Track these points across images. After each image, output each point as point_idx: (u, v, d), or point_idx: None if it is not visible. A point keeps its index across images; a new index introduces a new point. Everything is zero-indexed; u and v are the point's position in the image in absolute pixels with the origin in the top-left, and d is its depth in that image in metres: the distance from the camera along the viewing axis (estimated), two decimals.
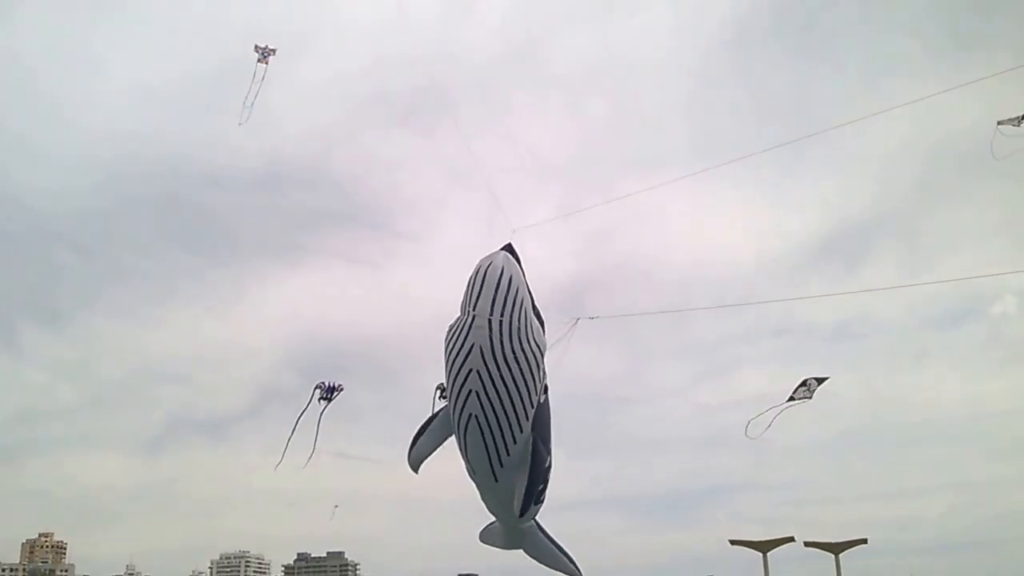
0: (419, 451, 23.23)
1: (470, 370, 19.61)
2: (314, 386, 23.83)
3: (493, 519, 26.27)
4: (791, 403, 31.26)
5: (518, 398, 20.37)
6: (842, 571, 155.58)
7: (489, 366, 19.55)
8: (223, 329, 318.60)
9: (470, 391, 20.04)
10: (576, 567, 27.63)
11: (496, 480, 22.48)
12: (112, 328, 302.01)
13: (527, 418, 21.10)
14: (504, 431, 20.94)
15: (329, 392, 23.89)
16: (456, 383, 20.16)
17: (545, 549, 27.21)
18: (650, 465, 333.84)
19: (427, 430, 23.08)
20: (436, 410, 22.87)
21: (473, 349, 19.32)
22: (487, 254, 19.50)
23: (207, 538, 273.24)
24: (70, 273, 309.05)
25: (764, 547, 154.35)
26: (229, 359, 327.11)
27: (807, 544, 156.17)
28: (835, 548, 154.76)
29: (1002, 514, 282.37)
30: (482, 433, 20.87)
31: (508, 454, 21.55)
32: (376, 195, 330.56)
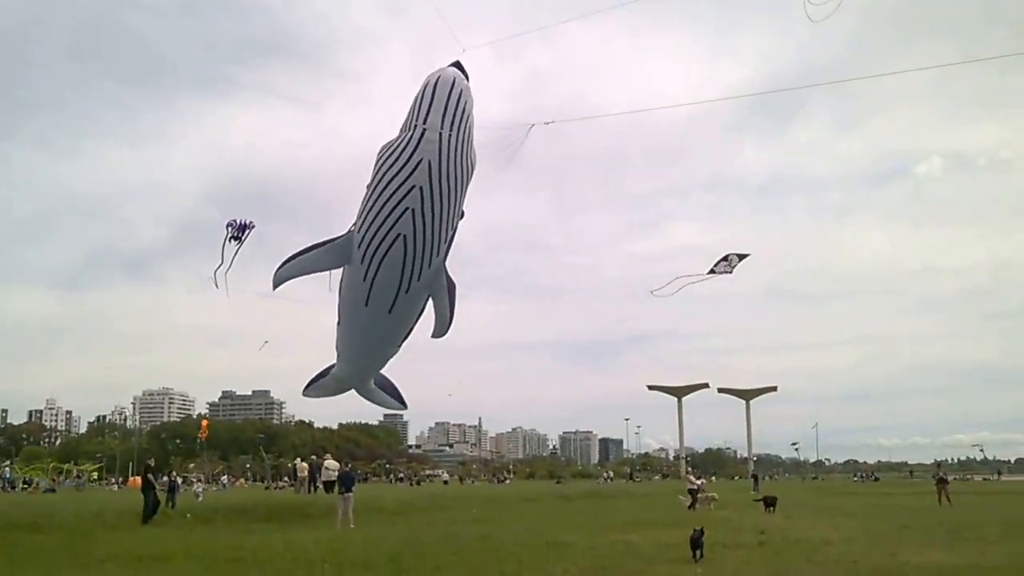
0: (289, 271, 21.07)
1: (413, 186, 18.41)
2: (225, 224, 21.50)
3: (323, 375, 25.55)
4: (711, 275, 29.40)
5: (448, 220, 19.73)
6: (752, 417, 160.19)
7: (433, 184, 18.64)
8: (145, 161, 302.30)
9: (407, 209, 18.80)
10: (403, 401, 26.93)
11: (391, 311, 21.35)
12: (26, 159, 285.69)
13: (448, 242, 20.47)
14: (426, 254, 20.16)
15: (240, 231, 21.41)
16: (391, 201, 18.72)
17: (378, 391, 26.68)
18: (577, 312, 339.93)
19: (310, 254, 21.03)
20: (335, 237, 20.69)
21: (420, 165, 18.16)
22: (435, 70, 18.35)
23: (130, 375, 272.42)
24: None
25: (680, 392, 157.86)
26: (151, 193, 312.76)
27: (720, 390, 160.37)
28: (746, 395, 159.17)
29: (908, 367, 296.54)
30: (404, 255, 19.82)
31: (419, 279, 20.76)
32: (312, 28, 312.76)
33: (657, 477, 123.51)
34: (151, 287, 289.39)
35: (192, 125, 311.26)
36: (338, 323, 23.44)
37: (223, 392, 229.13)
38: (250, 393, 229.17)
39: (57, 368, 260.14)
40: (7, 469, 63.33)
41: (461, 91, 18.33)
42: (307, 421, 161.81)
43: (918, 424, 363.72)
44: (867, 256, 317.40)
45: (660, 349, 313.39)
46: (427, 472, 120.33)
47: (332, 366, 26.64)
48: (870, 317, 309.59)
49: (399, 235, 19.70)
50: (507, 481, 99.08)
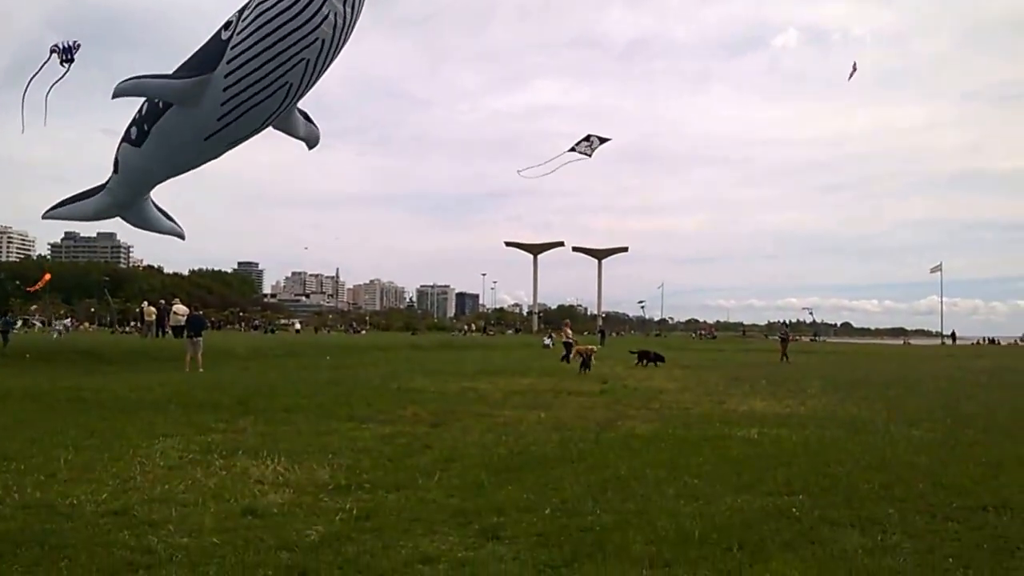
0: (134, 88, 20.88)
1: (315, 39, 18.54)
2: (49, 49, 21.38)
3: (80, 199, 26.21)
4: (571, 154, 30.13)
5: (324, 72, 20.17)
6: (603, 276, 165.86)
7: (336, 40, 18.94)
8: None
9: (302, 60, 19.04)
10: (179, 228, 28.28)
11: (227, 147, 22.40)
12: None
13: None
14: (297, 101, 21.00)
15: (67, 52, 21.31)
16: (288, 49, 18.78)
17: (161, 217, 27.65)
18: (439, 166, 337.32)
19: (158, 81, 20.97)
20: (194, 74, 20.42)
21: (327, 20, 18.29)
22: None
23: None
24: None
25: (536, 250, 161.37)
26: None
27: (575, 249, 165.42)
28: (599, 254, 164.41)
29: (751, 232, 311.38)
30: (282, 102, 20.31)
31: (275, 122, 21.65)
32: None
33: (511, 331, 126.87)
34: None
35: None
36: (138, 143, 22.57)
37: (66, 233, 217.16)
38: (95, 236, 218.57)
39: None
40: None
41: None
42: (156, 266, 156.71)
43: (755, 287, 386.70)
44: (720, 124, 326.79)
45: (518, 207, 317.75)
46: (282, 321, 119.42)
47: (96, 189, 25.51)
48: (719, 184, 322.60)
49: (287, 84, 19.82)
50: (363, 332, 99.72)
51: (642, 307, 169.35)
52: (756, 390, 20.19)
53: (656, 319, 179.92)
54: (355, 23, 19.23)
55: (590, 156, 31.30)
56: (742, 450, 10.28)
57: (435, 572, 5.40)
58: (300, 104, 21.89)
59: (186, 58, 21.26)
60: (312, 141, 23.65)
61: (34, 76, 21.98)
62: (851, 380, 24.38)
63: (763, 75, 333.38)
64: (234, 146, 22.54)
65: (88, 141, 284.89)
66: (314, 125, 23.30)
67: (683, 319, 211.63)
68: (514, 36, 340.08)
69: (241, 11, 19.33)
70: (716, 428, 12.51)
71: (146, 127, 21.74)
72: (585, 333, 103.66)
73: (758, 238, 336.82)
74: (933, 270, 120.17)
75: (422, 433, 11.62)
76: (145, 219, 26.84)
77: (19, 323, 57.55)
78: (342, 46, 19.49)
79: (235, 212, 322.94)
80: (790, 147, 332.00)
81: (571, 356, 33.60)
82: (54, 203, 26.47)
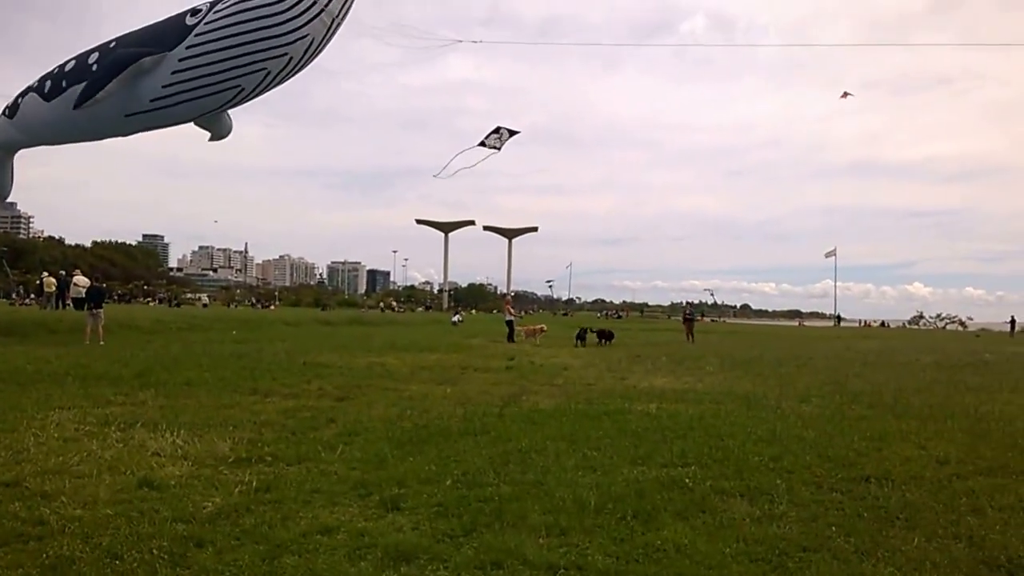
0: (115, 85, 20.19)
1: (284, 54, 18.72)
2: None
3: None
4: (481, 148, 30.46)
5: (276, 87, 20.18)
6: (513, 255, 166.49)
7: (301, 59, 19.10)
8: None
9: (264, 70, 19.07)
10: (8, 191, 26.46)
11: (141, 127, 21.91)
12: None
13: None
14: (239, 104, 20.66)
15: None
16: (255, 55, 18.79)
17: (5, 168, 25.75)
18: (350, 141, 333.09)
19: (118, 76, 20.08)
20: (152, 51, 19.71)
21: (304, 40, 18.52)
22: None
23: None
24: None
25: (447, 228, 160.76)
26: None
27: (485, 228, 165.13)
28: (509, 233, 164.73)
29: (658, 214, 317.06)
30: (225, 103, 20.38)
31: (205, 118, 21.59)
32: None
33: (420, 309, 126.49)
34: None
35: None
36: (48, 98, 21.63)
37: None
38: None
39: None
40: None
41: None
42: (58, 237, 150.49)
43: (659, 269, 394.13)
44: (629, 107, 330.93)
45: (430, 184, 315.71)
46: (188, 295, 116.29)
47: None
48: (627, 166, 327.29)
49: (239, 87, 19.61)
50: (272, 307, 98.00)
51: (550, 286, 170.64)
52: (657, 367, 20.69)
53: (564, 299, 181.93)
54: (322, 50, 19.34)
55: (499, 150, 31.60)
56: (640, 424, 10.56)
57: (333, 542, 5.44)
58: None
59: (136, 29, 20.67)
60: (223, 134, 23.10)
61: None
62: (747, 359, 25.18)
63: (671, 59, 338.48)
64: (148, 130, 21.96)
65: None
66: (229, 118, 22.83)
67: (590, 299, 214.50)
68: (426, 11, 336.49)
69: (214, 3, 18.99)
70: (617, 403, 12.81)
71: (64, 84, 20.75)
72: (495, 311, 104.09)
73: (664, 221, 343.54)
74: (828, 255, 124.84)
75: (327, 407, 11.59)
76: None
77: None
78: (302, 67, 19.57)
79: (141, 183, 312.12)
80: (697, 132, 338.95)
81: (516, 335, 33.08)
82: None
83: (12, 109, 22.72)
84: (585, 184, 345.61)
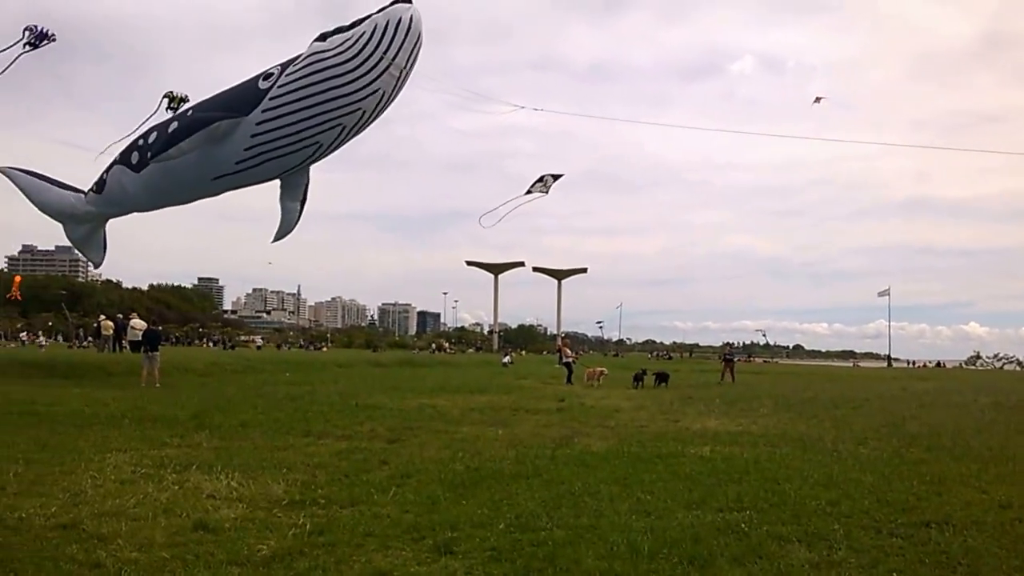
0: (189, 146, 20.99)
1: (358, 108, 19.52)
2: (23, 28, 20.74)
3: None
4: (528, 197, 31.19)
5: (353, 139, 21.01)
6: (563, 296, 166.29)
7: (374, 112, 19.88)
8: None
9: (340, 125, 19.90)
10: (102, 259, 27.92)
11: (226, 189, 23.02)
12: None
13: None
14: (316, 161, 21.66)
15: (39, 39, 20.80)
16: (330, 112, 19.61)
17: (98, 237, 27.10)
18: (401, 184, 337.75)
19: (189, 139, 20.89)
20: (229, 115, 20.64)
21: (376, 93, 19.30)
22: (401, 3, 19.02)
23: None
24: None
25: (497, 269, 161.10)
26: None
27: (535, 269, 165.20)
28: (559, 274, 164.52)
29: (708, 255, 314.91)
30: (305, 160, 21.17)
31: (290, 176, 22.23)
32: None
33: (471, 350, 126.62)
34: None
35: None
36: (138, 169, 22.60)
37: (23, 246, 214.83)
38: (53, 248, 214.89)
39: None
40: None
41: (421, 34, 19.26)
42: (115, 280, 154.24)
43: (710, 309, 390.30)
44: (679, 148, 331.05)
45: (479, 227, 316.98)
46: (242, 337, 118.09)
47: (65, 185, 25.32)
48: (676, 206, 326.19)
49: (317, 143, 20.49)
50: (324, 348, 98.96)
51: (600, 327, 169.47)
52: (710, 409, 20.40)
53: (614, 339, 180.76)
54: (392, 101, 20.04)
55: (546, 193, 32.19)
56: (694, 467, 10.42)
57: None
58: None
59: (211, 96, 21.72)
60: (288, 227, 23.46)
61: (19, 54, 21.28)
62: (801, 400, 24.71)
63: (719, 100, 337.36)
64: (235, 189, 22.93)
65: (41, 152, 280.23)
66: (301, 209, 23.38)
67: (640, 340, 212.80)
68: (474, 58, 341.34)
69: (285, 66, 19.96)
70: (670, 446, 12.65)
71: (149, 155, 21.72)
72: (545, 352, 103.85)
73: (714, 261, 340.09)
74: (881, 294, 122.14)
75: (379, 449, 11.62)
76: (88, 239, 26.29)
77: None
78: (375, 119, 20.34)
79: (196, 227, 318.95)
80: (743, 171, 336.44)
81: (577, 379, 31.87)
82: (19, 167, 25.81)
83: (100, 185, 24.11)
84: (634, 224, 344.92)
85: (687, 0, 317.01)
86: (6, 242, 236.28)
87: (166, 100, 22.21)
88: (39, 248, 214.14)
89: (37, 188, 25.30)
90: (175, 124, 21.33)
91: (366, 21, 19.10)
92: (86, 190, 24.63)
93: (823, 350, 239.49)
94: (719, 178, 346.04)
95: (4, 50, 20.97)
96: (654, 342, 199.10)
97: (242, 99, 20.52)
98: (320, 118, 19.73)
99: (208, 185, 22.53)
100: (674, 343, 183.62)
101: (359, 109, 19.53)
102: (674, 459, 11.16)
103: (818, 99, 47.68)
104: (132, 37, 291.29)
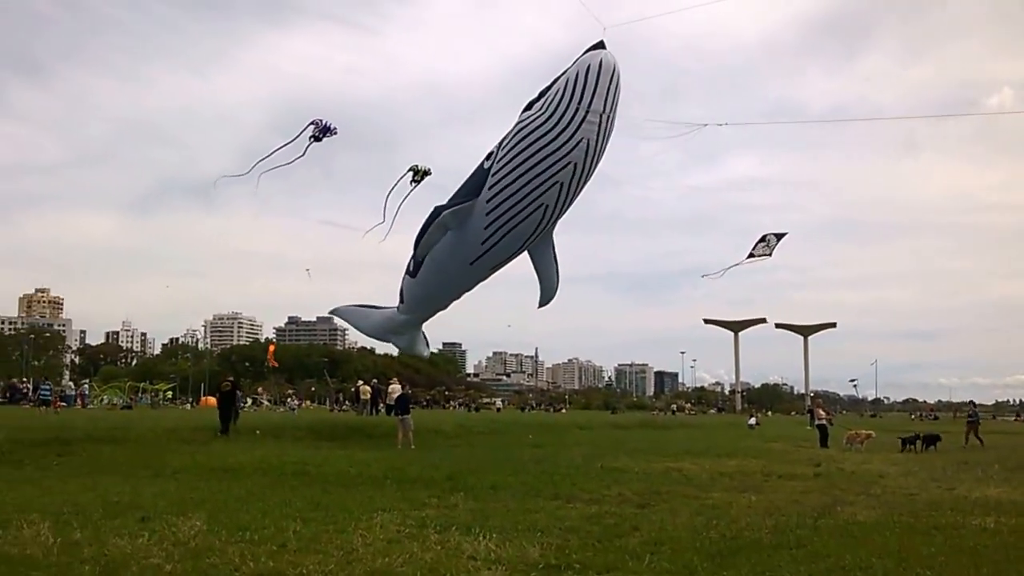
0: (429, 241, 23.26)
1: (569, 163, 19.79)
2: (309, 122, 22.31)
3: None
4: (751, 260, 30.50)
5: (579, 194, 21.30)
6: (810, 352, 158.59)
7: (586, 162, 19.97)
8: (204, 88, 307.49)
9: (557, 183, 20.27)
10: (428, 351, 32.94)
11: (491, 269, 23.91)
12: (93, 83, 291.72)
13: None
14: (554, 222, 22.22)
15: (323, 132, 22.44)
16: (544, 173, 20.13)
17: (422, 337, 30.70)
18: (634, 243, 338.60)
19: (434, 224, 22.68)
20: (458, 202, 22.40)
21: (580, 144, 19.48)
22: (592, 49, 19.15)
23: (199, 300, 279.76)
24: (51, 24, 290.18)
25: (736, 327, 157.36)
26: (211, 118, 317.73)
27: (778, 326, 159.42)
28: (805, 331, 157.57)
29: (970, 304, 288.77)
30: (538, 224, 21.60)
31: (534, 244, 22.89)
32: None
33: (712, 411, 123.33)
34: (216, 213, 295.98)
35: (248, 50, 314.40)
36: (415, 274, 25.27)
37: (289, 318, 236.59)
38: (314, 319, 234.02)
39: (128, 290, 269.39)
40: (86, 387, 65.60)
41: (618, 77, 19.41)
42: (369, 347, 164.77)
43: (977, 363, 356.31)
44: (933, 191, 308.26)
45: (717, 283, 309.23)
46: (484, 400, 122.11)
47: (377, 308, 28.61)
48: (932, 252, 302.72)
49: (542, 206, 21.25)
50: (563, 410, 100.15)
51: (854, 385, 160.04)
52: (988, 475, 18.53)
53: (870, 398, 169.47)
54: (604, 149, 20.33)
55: (770, 255, 31.01)
56: (978, 540, 9.45)
57: None
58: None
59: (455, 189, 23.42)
60: (550, 293, 24.64)
61: (280, 148, 22.78)
62: None
63: (975, 137, 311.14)
64: (496, 270, 24.29)
65: (305, 232, 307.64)
66: (557, 273, 24.46)
67: (900, 398, 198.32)
68: (705, 111, 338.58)
69: (501, 142, 21.19)
70: (947, 516, 11.54)
71: (413, 260, 24.51)
72: (793, 413, 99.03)
73: (978, 310, 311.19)
74: None
75: (629, 514, 11.46)
76: (413, 343, 30.17)
77: (248, 401, 61.97)
78: (593, 170, 20.67)
79: None
80: (1007, 211, 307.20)
81: (834, 441, 30.14)
82: (342, 305, 31.05)
83: (400, 297, 27.28)
84: (885, 274, 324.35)
85: (932, 36, 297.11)
86: (276, 315, 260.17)
87: (411, 173, 23.56)
88: (303, 319, 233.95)
89: (362, 317, 29.37)
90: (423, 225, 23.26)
91: (561, 77, 19.55)
92: (396, 305, 27.94)
93: None
94: (979, 221, 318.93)
95: (290, 142, 22.88)
96: (915, 400, 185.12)
97: (474, 183, 21.99)
98: (536, 180, 20.32)
99: (469, 271, 24.02)
100: (939, 401, 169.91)
101: (569, 163, 19.81)
102: (953, 531, 10.18)
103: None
104: (379, 118, 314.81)
